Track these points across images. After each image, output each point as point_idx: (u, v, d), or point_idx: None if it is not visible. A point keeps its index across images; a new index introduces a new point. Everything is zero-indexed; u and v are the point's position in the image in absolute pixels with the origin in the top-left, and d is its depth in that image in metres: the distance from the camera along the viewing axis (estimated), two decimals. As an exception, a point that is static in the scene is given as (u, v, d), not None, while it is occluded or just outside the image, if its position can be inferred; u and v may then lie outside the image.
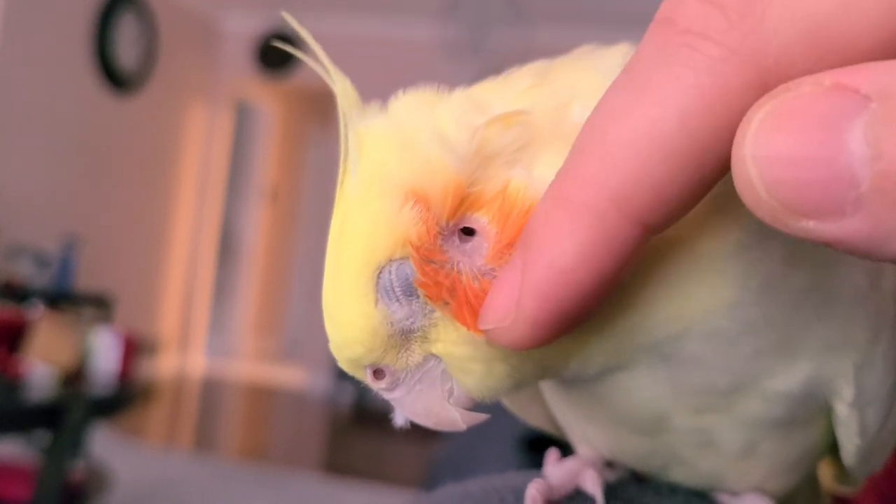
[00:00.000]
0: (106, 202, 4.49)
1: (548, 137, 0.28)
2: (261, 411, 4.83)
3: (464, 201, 0.27)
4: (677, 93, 0.20)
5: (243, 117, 5.74)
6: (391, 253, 0.27)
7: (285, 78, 5.03)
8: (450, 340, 0.27)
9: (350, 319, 0.28)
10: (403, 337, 0.28)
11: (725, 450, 0.32)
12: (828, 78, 0.17)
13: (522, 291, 0.22)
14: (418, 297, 0.27)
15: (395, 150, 0.28)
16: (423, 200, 0.27)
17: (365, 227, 0.27)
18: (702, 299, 0.27)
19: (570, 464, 0.36)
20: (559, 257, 0.22)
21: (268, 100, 5.79)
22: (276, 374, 5.61)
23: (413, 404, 0.29)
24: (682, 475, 0.35)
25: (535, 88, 0.29)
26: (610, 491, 0.35)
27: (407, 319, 0.27)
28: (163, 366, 4.87)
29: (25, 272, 3.43)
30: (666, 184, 0.20)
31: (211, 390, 5.00)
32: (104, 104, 4.38)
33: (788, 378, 0.29)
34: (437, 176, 0.27)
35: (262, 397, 5.08)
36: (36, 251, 3.56)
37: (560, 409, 0.37)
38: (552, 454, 0.38)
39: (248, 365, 5.73)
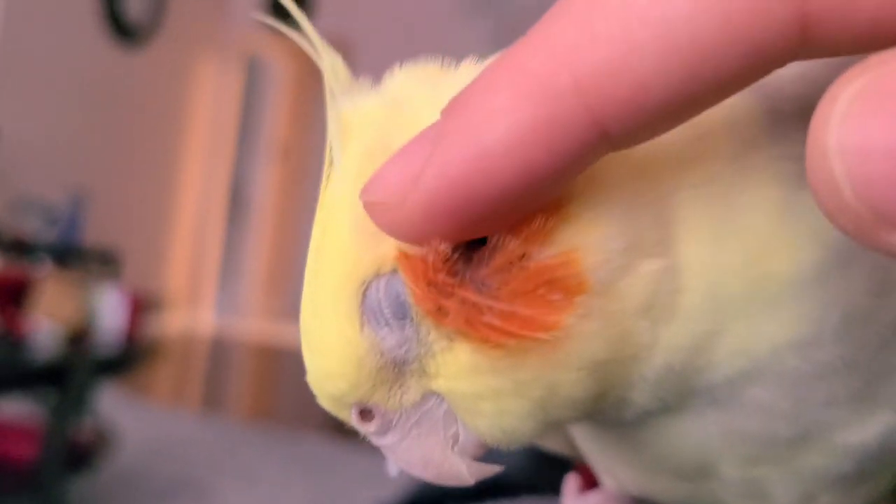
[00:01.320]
0: (114, 156, 4.45)
1: None
2: (270, 371, 4.83)
3: None
4: None
5: (254, 72, 5.68)
6: (378, 265, 0.22)
7: (297, 30, 4.92)
8: (451, 374, 0.22)
9: (330, 347, 0.23)
10: (396, 370, 0.23)
11: (777, 502, 0.27)
12: None
13: (428, 165, 0.18)
14: (412, 319, 0.22)
15: (390, 126, 0.22)
16: None
17: (346, 230, 0.22)
18: (769, 335, 0.22)
19: (594, 499, 0.32)
20: (486, 135, 0.17)
21: (279, 54, 5.73)
22: (286, 333, 5.62)
23: (409, 453, 0.24)
24: None
25: None
26: (640, 532, 0.30)
27: (399, 347, 0.22)
28: (171, 323, 4.87)
29: (32, 227, 3.41)
30: (647, 84, 0.16)
31: (219, 349, 5.01)
32: (112, 57, 4.32)
33: (864, 430, 0.24)
34: None
35: (272, 356, 5.07)
36: (43, 206, 3.54)
37: (583, 441, 0.32)
38: (572, 482, 0.33)
39: (256, 323, 5.74)
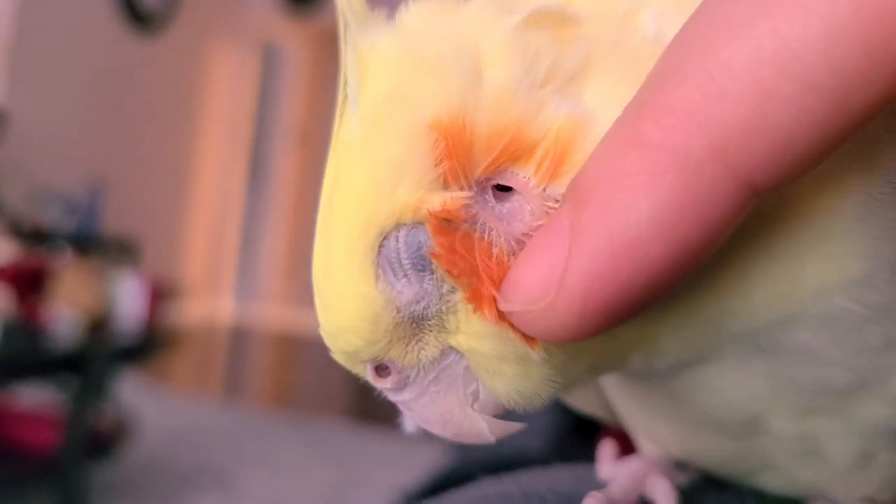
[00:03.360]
0: (131, 145, 4.46)
1: (605, 57, 0.21)
2: (290, 357, 4.84)
3: (507, 148, 0.20)
4: (824, 2, 0.14)
5: (270, 58, 5.68)
6: (399, 215, 0.20)
7: (314, 15, 4.94)
8: (473, 332, 0.21)
9: (343, 302, 0.21)
10: (414, 325, 0.21)
11: (833, 460, 0.25)
12: None
13: (570, 265, 0.17)
14: (432, 272, 0.20)
15: (412, 76, 0.21)
16: (452, 140, 0.20)
17: (365, 178, 0.20)
18: (817, 274, 0.20)
19: (632, 466, 0.30)
20: (629, 222, 0.16)
21: (296, 40, 5.72)
22: (306, 319, 5.63)
23: (427, 409, 0.23)
24: (773, 482, 0.28)
25: None
26: (685, 501, 0.29)
27: (417, 303, 0.21)
28: (190, 311, 4.88)
29: (51, 216, 3.42)
30: (792, 131, 0.15)
31: (239, 336, 5.02)
32: (128, 45, 4.32)
33: None
34: (478, 109, 0.20)
35: (292, 343, 5.07)
36: (61, 195, 3.55)
37: (620, 401, 0.30)
38: (608, 448, 0.31)
39: (276, 309, 5.75)
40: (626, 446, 0.32)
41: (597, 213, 0.17)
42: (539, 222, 0.20)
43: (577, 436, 0.37)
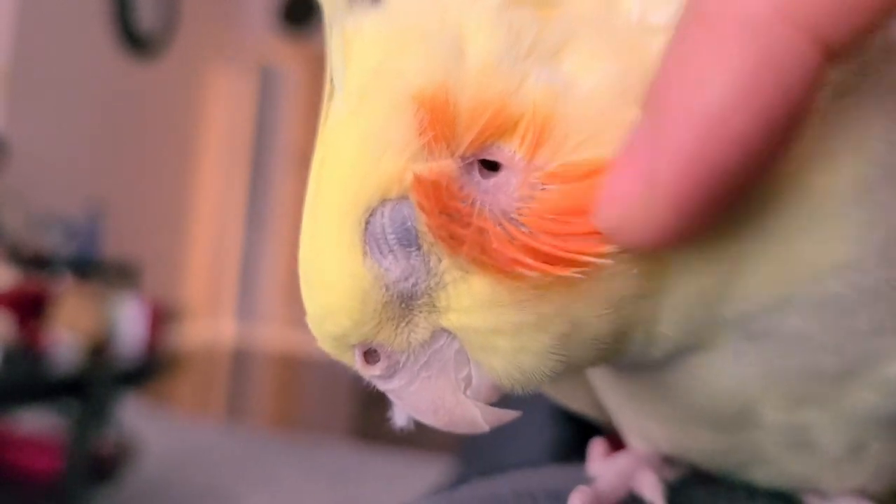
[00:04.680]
0: (130, 168, 4.46)
1: (587, 33, 0.21)
2: (292, 379, 4.82)
3: (491, 122, 0.20)
4: None
5: (268, 81, 5.69)
6: (385, 190, 0.20)
7: (310, 37, 4.96)
8: (463, 307, 0.20)
9: (330, 281, 0.21)
10: (403, 305, 0.21)
11: (825, 451, 0.25)
12: None
13: (657, 162, 0.16)
14: (419, 247, 0.20)
15: (397, 51, 0.21)
16: (435, 111, 0.20)
17: (350, 153, 0.20)
18: (809, 257, 0.20)
19: (621, 462, 0.30)
20: (707, 100, 0.15)
21: (292, 62, 5.74)
22: (307, 340, 5.60)
23: (418, 397, 0.22)
24: (762, 475, 0.27)
25: None
26: (672, 495, 0.29)
27: (406, 279, 0.21)
28: (191, 333, 4.87)
29: (51, 241, 3.42)
30: None
31: (240, 358, 5.00)
32: (125, 69, 4.33)
33: None
34: (462, 82, 0.20)
35: (293, 364, 5.05)
36: (61, 220, 3.54)
37: (611, 397, 0.30)
38: (598, 447, 0.31)
39: (277, 331, 5.74)
40: (620, 448, 0.32)
41: (674, 101, 0.16)
42: (523, 192, 0.20)
43: (580, 452, 0.38)
